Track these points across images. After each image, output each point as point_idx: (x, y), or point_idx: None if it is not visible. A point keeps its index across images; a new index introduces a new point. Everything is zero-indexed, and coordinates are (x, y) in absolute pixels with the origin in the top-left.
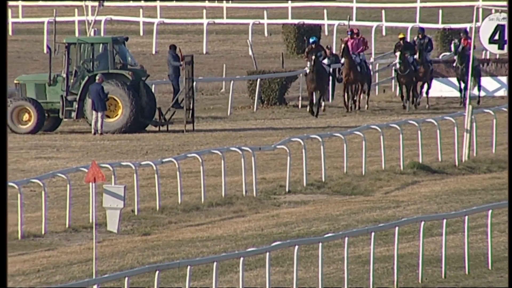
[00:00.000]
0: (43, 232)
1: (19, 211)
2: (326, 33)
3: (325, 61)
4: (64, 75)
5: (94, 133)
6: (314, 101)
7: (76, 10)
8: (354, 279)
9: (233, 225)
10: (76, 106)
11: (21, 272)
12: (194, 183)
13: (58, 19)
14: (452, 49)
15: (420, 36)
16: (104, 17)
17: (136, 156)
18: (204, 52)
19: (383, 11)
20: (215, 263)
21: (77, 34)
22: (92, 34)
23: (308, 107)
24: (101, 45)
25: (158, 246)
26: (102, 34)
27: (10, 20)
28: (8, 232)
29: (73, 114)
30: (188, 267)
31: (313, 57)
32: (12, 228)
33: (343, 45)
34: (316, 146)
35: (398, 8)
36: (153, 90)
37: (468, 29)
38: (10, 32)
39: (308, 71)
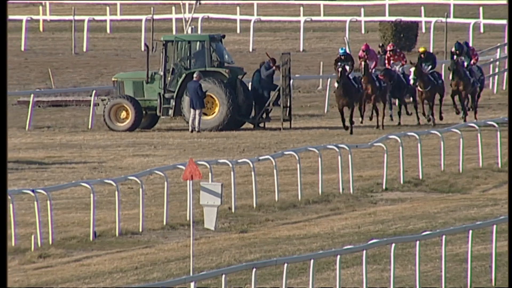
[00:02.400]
0: (140, 230)
1: (117, 208)
2: (423, 30)
3: (351, 75)
4: (162, 73)
5: (191, 131)
6: (347, 118)
7: (173, 8)
8: (452, 277)
9: (330, 223)
10: (174, 103)
11: (119, 270)
12: (291, 180)
13: (155, 17)
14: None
15: (457, 51)
16: (201, 15)
17: (233, 154)
18: (301, 49)
19: (480, 8)
20: (311, 261)
21: (174, 32)
22: (189, 31)
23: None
24: (198, 42)
25: (255, 243)
26: (199, 31)
27: (108, 18)
28: (106, 230)
29: (171, 112)
30: (285, 264)
31: (340, 69)
32: (109, 226)
33: (363, 63)
34: (413, 144)
35: (496, 5)
36: (249, 88)
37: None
38: (108, 30)
39: (336, 84)
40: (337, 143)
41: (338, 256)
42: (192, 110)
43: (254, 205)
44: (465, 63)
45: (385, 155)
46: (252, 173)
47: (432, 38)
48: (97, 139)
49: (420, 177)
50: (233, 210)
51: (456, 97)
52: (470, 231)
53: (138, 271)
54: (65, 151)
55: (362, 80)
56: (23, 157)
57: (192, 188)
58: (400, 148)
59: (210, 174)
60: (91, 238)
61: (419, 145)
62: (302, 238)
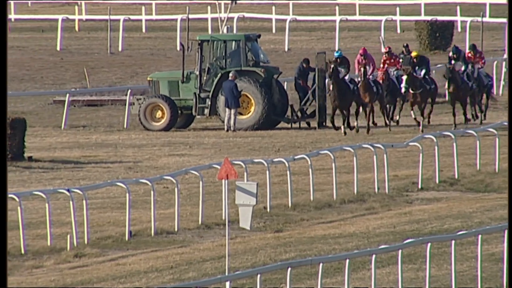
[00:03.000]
0: (176, 229)
1: (152, 208)
2: (459, 29)
3: (346, 77)
4: (197, 72)
5: (227, 130)
6: (344, 121)
7: (209, 7)
8: (488, 277)
9: (365, 222)
10: (209, 103)
11: (154, 269)
12: (326, 180)
13: (191, 16)
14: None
15: (454, 56)
16: (237, 14)
17: (268, 153)
18: (336, 49)
19: None
20: (347, 260)
21: (210, 31)
22: (224, 31)
23: (342, 127)
24: (233, 42)
25: (290, 243)
26: (234, 31)
27: (144, 17)
28: (141, 229)
29: (206, 111)
30: (320, 264)
31: (332, 65)
32: (145, 225)
33: (362, 69)
34: (449, 143)
35: None
36: (285, 87)
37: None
38: (143, 29)
39: (327, 81)
40: (373, 142)
41: (374, 256)
42: (227, 109)
43: (290, 205)
44: (462, 68)
45: (421, 155)
46: (288, 172)
47: (468, 38)
48: (133, 138)
49: (456, 176)
50: (268, 210)
51: (458, 104)
52: (506, 231)
53: (173, 271)
54: (101, 150)
55: (360, 86)
56: (58, 156)
57: (227, 188)
58: (436, 147)
59: (245, 173)
60: (126, 238)
61: (454, 144)
62: (337, 237)
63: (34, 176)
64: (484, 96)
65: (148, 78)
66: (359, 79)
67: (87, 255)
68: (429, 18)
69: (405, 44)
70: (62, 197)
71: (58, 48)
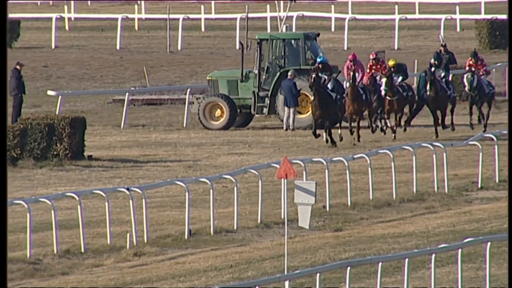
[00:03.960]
0: (235, 228)
1: (211, 206)
2: None
3: (329, 85)
4: (256, 71)
5: (286, 129)
6: (326, 130)
7: (268, 6)
8: None
9: (425, 222)
10: (268, 102)
11: (213, 268)
12: (385, 179)
13: (250, 15)
14: (466, 85)
15: (436, 62)
16: (296, 13)
17: (327, 152)
18: (396, 47)
19: None
20: (406, 260)
21: (269, 30)
22: (283, 30)
23: (324, 134)
24: (293, 41)
25: (350, 242)
26: (293, 30)
27: (203, 16)
28: (200, 228)
29: (265, 110)
30: (379, 263)
31: (313, 75)
32: (204, 224)
33: (351, 73)
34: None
35: None
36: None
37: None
38: (202, 28)
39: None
40: (432, 141)
41: (433, 255)
42: (286, 108)
43: (349, 204)
44: (442, 74)
45: (480, 154)
46: (347, 171)
47: None
48: (192, 137)
49: None
50: (327, 209)
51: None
52: None
53: (232, 270)
54: (160, 149)
55: (348, 92)
56: (118, 155)
57: (286, 187)
58: (496, 146)
59: (304, 172)
60: (186, 236)
61: None
62: (396, 236)
63: (94, 174)
64: (486, 105)
65: (208, 77)
66: (347, 85)
67: (147, 254)
68: (489, 16)
69: (443, 43)
70: (121, 196)
71: (117, 47)
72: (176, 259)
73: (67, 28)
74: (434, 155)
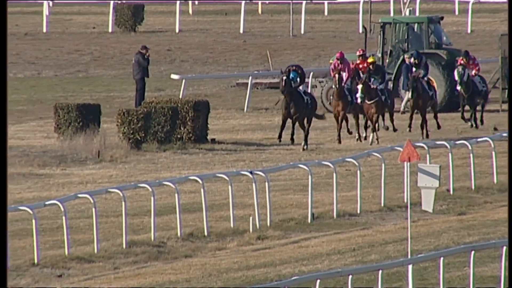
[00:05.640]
0: (358, 211)
1: (334, 190)
2: None
3: (301, 87)
4: (379, 55)
5: (403, 113)
6: (293, 134)
7: None
8: None
9: None
10: (391, 85)
11: (336, 251)
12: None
13: None
14: (456, 78)
15: (416, 61)
16: None
17: (450, 136)
18: None
19: None
20: None
21: (392, 14)
22: (407, 13)
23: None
24: (416, 24)
25: (474, 226)
26: (417, 13)
27: (326, 0)
28: (323, 211)
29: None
30: (503, 247)
31: (284, 77)
32: (327, 207)
33: (337, 75)
34: None
35: None
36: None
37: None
38: (325, 12)
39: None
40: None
41: None
42: (403, 92)
43: (473, 187)
44: (421, 74)
45: None
46: (471, 155)
47: None
48: (315, 120)
49: None
50: (451, 192)
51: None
52: None
53: (355, 253)
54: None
55: (334, 94)
56: (241, 138)
57: (409, 170)
58: None
59: (427, 155)
60: (309, 220)
61: None
62: None
63: (217, 158)
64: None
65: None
66: (333, 86)
67: (270, 238)
68: None
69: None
70: (244, 179)
71: (241, 31)
72: (299, 242)
73: (190, 12)
74: None
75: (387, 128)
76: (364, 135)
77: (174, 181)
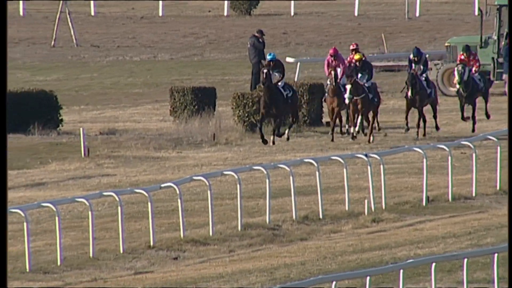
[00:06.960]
0: (473, 195)
1: (449, 173)
2: None
3: (280, 83)
4: (495, 37)
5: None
6: (274, 130)
7: None
8: None
9: None
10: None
11: (451, 234)
12: None
13: None
14: (456, 77)
15: (415, 58)
16: None
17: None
18: None
19: None
20: None
21: None
22: None
23: (271, 137)
24: None
25: None
26: None
27: None
28: (438, 194)
29: (504, 77)
30: None
31: (265, 70)
32: (442, 191)
33: (332, 72)
34: None
35: None
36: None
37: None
38: None
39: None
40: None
41: None
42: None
43: None
44: (420, 71)
45: None
46: None
47: None
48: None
49: None
50: None
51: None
52: None
53: (471, 236)
54: (398, 116)
55: (329, 90)
56: None
57: None
58: None
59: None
60: (424, 203)
61: None
62: None
63: (332, 142)
64: (482, 100)
65: (446, 44)
66: (328, 82)
67: (385, 220)
68: None
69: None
70: (360, 162)
71: (355, 14)
72: (414, 225)
73: None
74: None
75: (380, 129)
76: (356, 129)
77: (289, 163)
